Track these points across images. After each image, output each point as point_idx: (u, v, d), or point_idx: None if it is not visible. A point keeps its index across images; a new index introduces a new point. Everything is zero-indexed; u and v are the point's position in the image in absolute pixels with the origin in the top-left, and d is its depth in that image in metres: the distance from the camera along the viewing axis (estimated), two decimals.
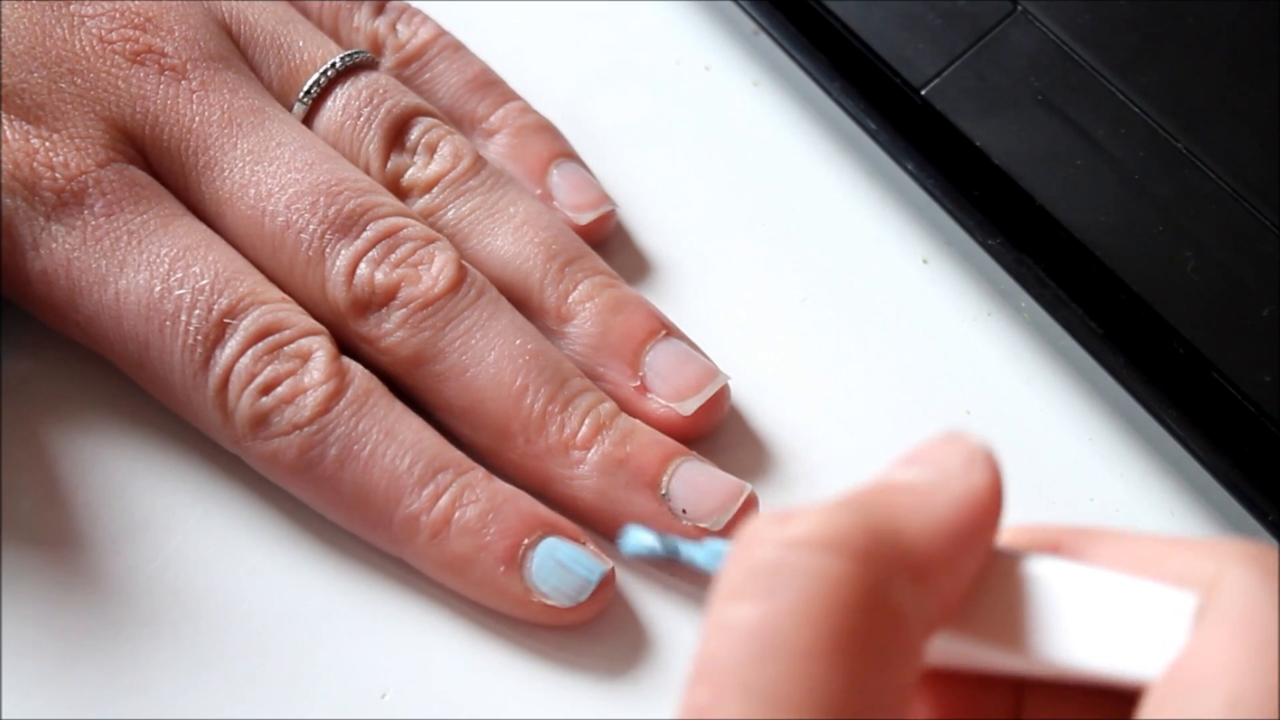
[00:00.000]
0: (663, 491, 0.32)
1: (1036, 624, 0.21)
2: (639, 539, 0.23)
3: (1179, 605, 0.20)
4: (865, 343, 0.37)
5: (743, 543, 0.20)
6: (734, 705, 0.18)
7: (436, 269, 0.33)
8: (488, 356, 0.33)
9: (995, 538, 0.21)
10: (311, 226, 0.33)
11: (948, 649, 0.22)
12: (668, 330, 0.35)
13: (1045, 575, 0.21)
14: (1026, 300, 0.36)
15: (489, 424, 0.33)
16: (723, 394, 0.34)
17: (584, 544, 0.32)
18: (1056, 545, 0.22)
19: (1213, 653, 0.19)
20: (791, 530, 0.19)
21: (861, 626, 0.19)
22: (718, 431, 0.35)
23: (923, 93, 0.37)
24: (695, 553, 0.23)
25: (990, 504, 0.21)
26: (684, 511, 0.32)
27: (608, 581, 0.31)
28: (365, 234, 0.33)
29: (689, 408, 0.34)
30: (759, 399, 0.36)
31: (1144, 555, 0.21)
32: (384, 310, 0.33)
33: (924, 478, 0.21)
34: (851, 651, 0.18)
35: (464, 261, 0.34)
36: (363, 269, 0.33)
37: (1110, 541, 0.21)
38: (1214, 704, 0.18)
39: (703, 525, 0.32)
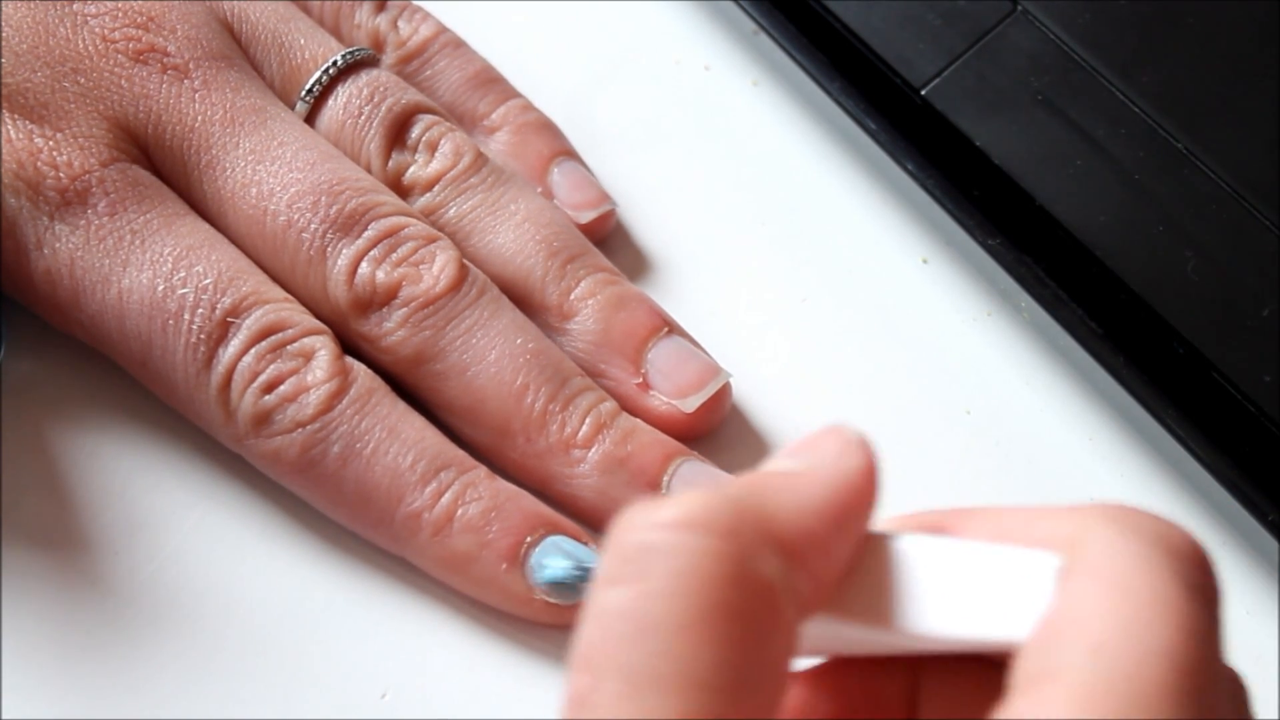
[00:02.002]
0: (663, 491, 0.32)
1: (905, 599, 0.21)
2: (554, 569, 0.23)
3: (1042, 566, 0.20)
4: (865, 342, 0.37)
5: (616, 530, 0.20)
6: (612, 687, 0.19)
7: (438, 268, 0.33)
8: (488, 355, 0.33)
9: (869, 522, 0.21)
10: (313, 226, 0.33)
11: (828, 634, 0.22)
12: (670, 328, 0.35)
13: (913, 551, 0.21)
14: (1026, 300, 0.36)
15: (490, 423, 0.33)
16: (724, 392, 0.34)
17: (586, 543, 0.32)
18: (937, 528, 0.22)
19: (1075, 606, 0.19)
20: (659, 514, 0.19)
21: (730, 601, 0.19)
22: (719, 430, 0.35)
23: (923, 93, 0.37)
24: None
25: (862, 487, 0.21)
26: None
27: None
28: (366, 233, 0.33)
29: (691, 405, 0.34)
30: (759, 398, 0.36)
31: (1011, 526, 0.21)
32: (385, 309, 0.33)
33: (798, 465, 0.21)
34: (722, 625, 0.19)
35: (465, 260, 0.34)
36: (364, 268, 0.33)
37: (982, 517, 0.22)
38: (1077, 653, 0.19)
39: None
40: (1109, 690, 0.18)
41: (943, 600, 0.21)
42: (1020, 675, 0.19)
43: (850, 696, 0.23)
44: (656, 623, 0.19)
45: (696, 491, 0.20)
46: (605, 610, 0.19)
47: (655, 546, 0.19)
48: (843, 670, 0.23)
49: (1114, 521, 0.20)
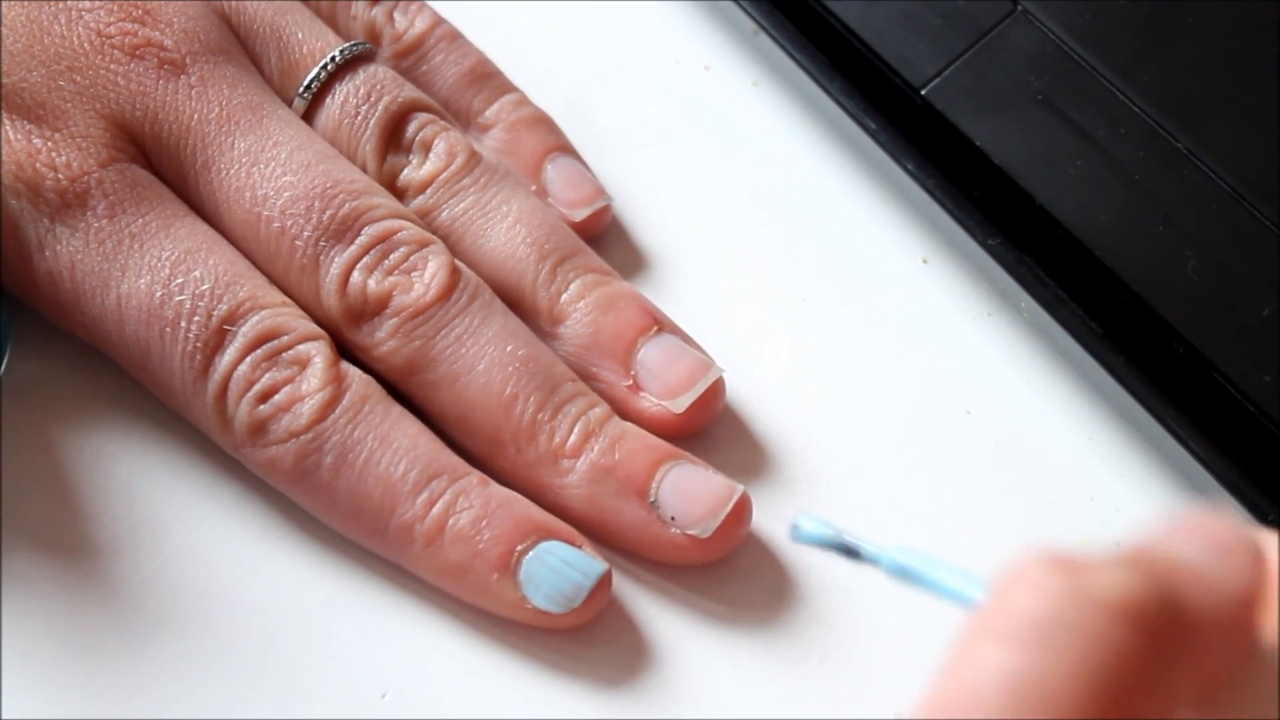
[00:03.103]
0: (651, 499, 0.32)
1: None
2: (811, 529, 0.22)
3: None
4: (865, 343, 0.37)
5: (1018, 585, 0.19)
6: None
7: (429, 275, 0.33)
8: (478, 365, 0.33)
9: (1254, 630, 0.20)
10: (306, 233, 0.33)
11: None
12: (660, 325, 0.35)
13: None
14: (1026, 300, 0.36)
15: (480, 433, 0.33)
16: (717, 388, 0.34)
17: (580, 546, 0.32)
18: None
19: None
20: (1074, 583, 0.18)
21: (1130, 701, 0.18)
22: (716, 432, 0.35)
23: (923, 93, 0.37)
24: (880, 557, 0.22)
25: (1260, 598, 0.20)
26: (673, 519, 0.32)
27: (603, 584, 0.31)
28: (359, 239, 0.33)
29: (681, 404, 0.34)
30: (758, 399, 0.36)
31: None
32: (376, 320, 0.33)
33: (1199, 558, 0.20)
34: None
35: (458, 264, 0.34)
36: (355, 277, 0.33)
37: None
38: None
39: (691, 532, 0.32)
40: None
41: None
42: None
43: None
44: (1051, 700, 0.18)
45: (1114, 561, 0.19)
46: (993, 668, 0.18)
47: (1070, 620, 0.18)
48: None
49: None
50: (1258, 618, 0.20)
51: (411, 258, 0.33)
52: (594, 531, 0.32)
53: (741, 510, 0.32)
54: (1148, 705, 0.18)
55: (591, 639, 0.32)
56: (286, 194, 0.33)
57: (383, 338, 0.33)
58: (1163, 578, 0.19)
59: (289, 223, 0.33)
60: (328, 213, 0.33)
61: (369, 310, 0.33)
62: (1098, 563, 0.19)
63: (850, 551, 0.23)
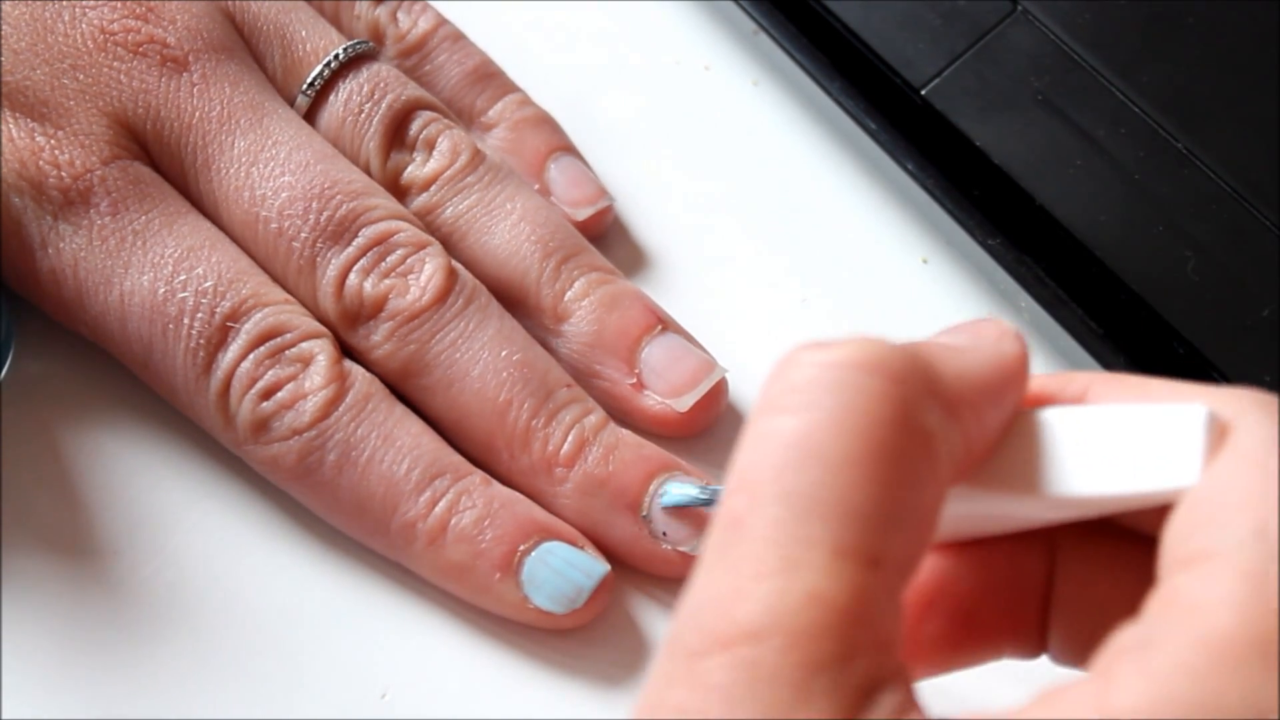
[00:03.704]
0: (644, 513, 0.32)
1: (1051, 465, 0.22)
2: (677, 494, 0.24)
3: (1191, 416, 0.21)
4: None
5: (782, 364, 0.21)
6: (770, 510, 0.19)
7: (425, 278, 0.33)
8: (472, 370, 0.33)
9: (1016, 402, 0.22)
10: (303, 234, 0.33)
11: (972, 511, 0.23)
12: (664, 325, 0.35)
13: (1057, 420, 0.22)
14: (1026, 300, 0.36)
15: (475, 439, 0.33)
16: (720, 388, 0.34)
17: (582, 547, 0.32)
18: (1082, 396, 0.23)
19: (1232, 488, 0.20)
20: (832, 353, 0.20)
21: (894, 441, 0.20)
22: (716, 431, 0.35)
23: (923, 93, 0.37)
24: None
25: (1016, 369, 0.22)
26: (664, 534, 0.32)
27: (605, 585, 0.31)
28: (356, 241, 0.33)
29: (684, 404, 0.34)
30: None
31: (1158, 395, 0.22)
32: (372, 323, 0.33)
33: (961, 341, 0.22)
34: (883, 463, 0.19)
35: (455, 265, 0.34)
36: (352, 279, 0.33)
37: (1127, 384, 0.23)
38: (1241, 533, 0.19)
39: (683, 550, 0.32)
40: (1276, 572, 0.18)
41: (1089, 461, 0.21)
42: (1177, 552, 0.20)
43: (992, 570, 0.24)
44: (822, 452, 0.19)
45: (867, 336, 0.21)
46: (769, 435, 0.20)
47: (825, 381, 0.20)
48: (986, 544, 0.24)
49: (1266, 408, 0.21)
50: (1014, 389, 0.22)
51: (408, 260, 0.33)
52: (589, 539, 0.32)
53: None
54: (925, 453, 0.20)
55: (591, 639, 0.32)
56: (285, 194, 0.33)
57: (379, 341, 0.33)
58: (913, 346, 0.21)
59: (286, 223, 0.33)
60: (325, 214, 0.33)
61: (365, 313, 0.33)
62: (849, 338, 0.21)
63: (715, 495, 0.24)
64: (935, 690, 0.24)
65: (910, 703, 0.19)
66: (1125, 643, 0.19)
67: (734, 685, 0.18)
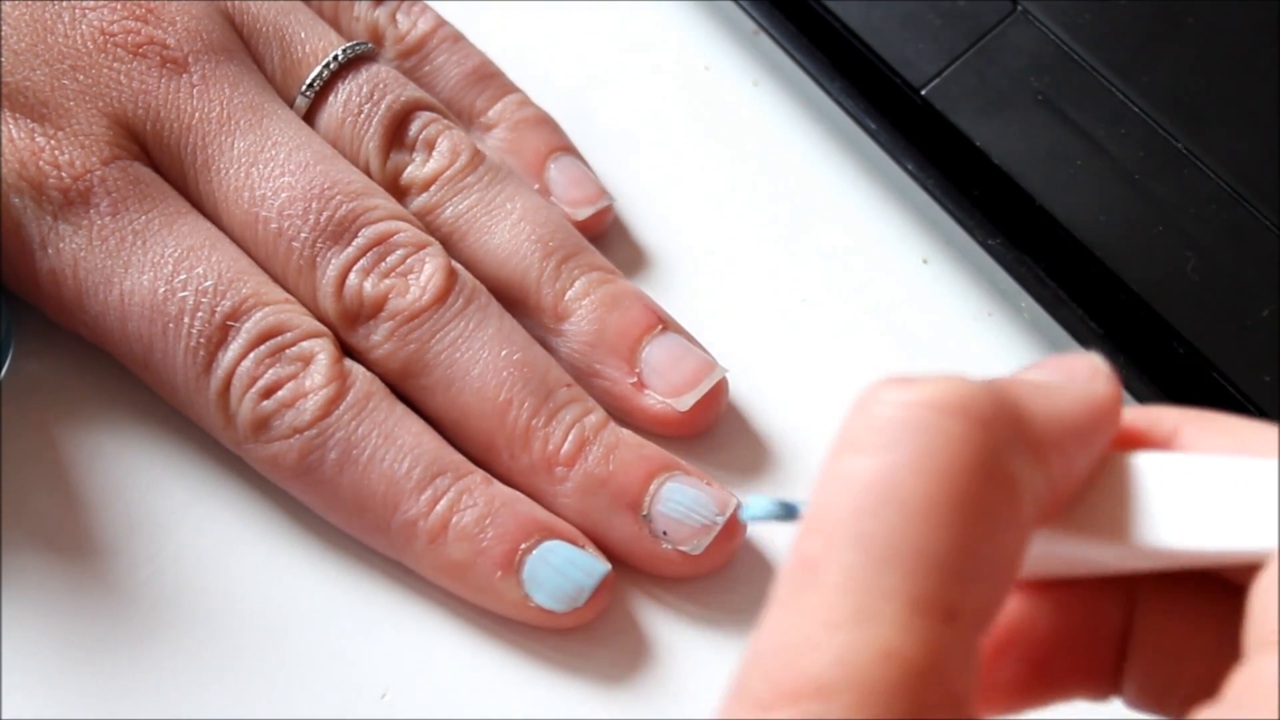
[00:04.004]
0: (644, 513, 0.32)
1: (1138, 513, 0.21)
2: (756, 508, 0.23)
3: (1272, 476, 0.20)
4: (865, 343, 0.37)
5: (863, 401, 0.20)
6: (845, 555, 0.18)
7: (425, 278, 0.33)
8: (472, 370, 0.33)
9: (1107, 443, 0.22)
10: (303, 234, 0.33)
11: (1055, 552, 0.22)
12: (665, 325, 0.35)
13: (1147, 466, 0.21)
14: (1026, 300, 0.36)
15: (475, 438, 0.33)
16: (720, 388, 0.34)
17: (583, 546, 0.32)
18: (1171, 435, 0.22)
19: None
20: (915, 392, 0.19)
21: (977, 488, 0.19)
22: (718, 431, 0.35)
23: (923, 93, 0.37)
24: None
25: (1108, 410, 0.21)
26: (665, 533, 0.32)
27: (606, 584, 0.31)
28: (356, 241, 0.33)
29: (685, 403, 0.34)
30: (759, 398, 0.36)
31: (1251, 442, 0.21)
32: (372, 322, 0.33)
33: (1050, 378, 0.22)
34: (965, 510, 0.19)
35: (455, 266, 0.34)
36: (352, 279, 0.33)
37: (1224, 429, 0.22)
38: None
39: (683, 549, 0.32)
40: None
41: (1177, 513, 0.21)
42: (1260, 629, 0.19)
43: (1069, 613, 0.23)
44: (900, 497, 0.19)
45: (954, 375, 0.20)
46: (846, 476, 0.19)
47: (907, 421, 0.19)
48: (1065, 587, 0.24)
49: None
50: (1106, 431, 0.21)
51: (408, 260, 0.33)
52: (590, 539, 0.32)
53: (734, 525, 0.32)
54: (1009, 501, 0.19)
55: (591, 639, 0.32)
56: (284, 194, 0.33)
57: (378, 340, 0.33)
58: (1000, 385, 0.20)
59: (286, 223, 0.33)
60: (325, 214, 0.33)
61: (365, 313, 0.33)
62: (935, 376, 0.20)
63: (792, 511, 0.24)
64: None
65: None
66: None
67: None
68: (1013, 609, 0.24)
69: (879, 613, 0.18)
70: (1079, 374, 0.22)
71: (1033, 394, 0.21)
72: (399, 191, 0.35)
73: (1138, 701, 0.24)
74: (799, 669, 0.18)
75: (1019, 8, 0.38)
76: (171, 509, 0.33)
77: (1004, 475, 0.19)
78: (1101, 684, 0.24)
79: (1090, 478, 0.21)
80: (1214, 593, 0.22)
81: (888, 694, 0.18)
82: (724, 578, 0.33)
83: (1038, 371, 0.22)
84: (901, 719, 0.18)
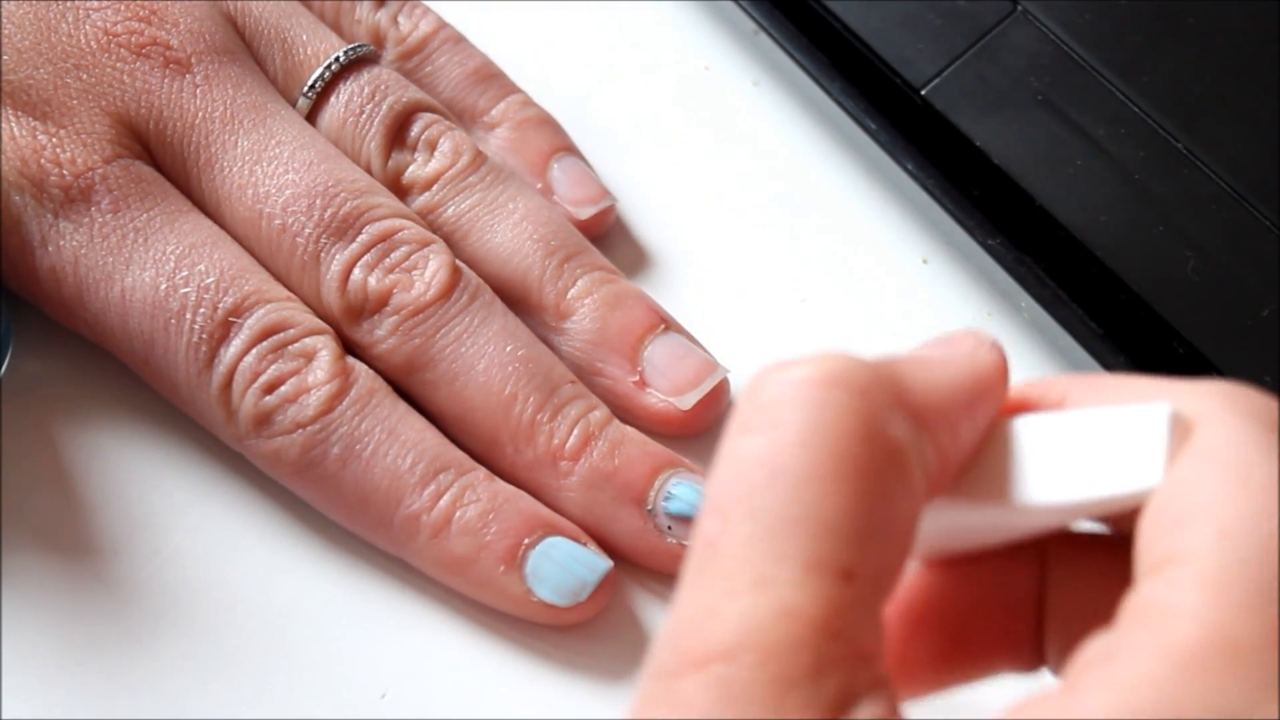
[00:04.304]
0: (649, 507, 0.32)
1: (1020, 474, 0.21)
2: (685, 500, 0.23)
3: (1154, 416, 0.20)
4: (865, 343, 0.37)
5: (752, 385, 0.20)
6: (741, 530, 0.19)
7: (429, 274, 0.33)
8: (477, 365, 0.33)
9: (992, 414, 0.22)
10: (307, 230, 0.33)
11: (952, 525, 0.22)
12: (667, 325, 0.35)
13: (1027, 428, 0.22)
14: (1026, 300, 0.36)
15: (478, 433, 0.33)
16: (722, 387, 0.34)
17: (585, 543, 0.32)
18: (1058, 400, 0.23)
19: (1198, 489, 0.19)
20: (797, 371, 0.20)
21: (860, 454, 0.19)
22: (718, 431, 0.35)
23: (923, 93, 0.37)
24: None
25: (992, 380, 0.22)
26: (669, 528, 0.32)
27: (608, 580, 0.31)
28: (360, 237, 0.33)
29: (687, 402, 0.34)
30: None
31: (1127, 395, 0.22)
32: (376, 317, 0.33)
33: (934, 353, 0.22)
34: (851, 476, 0.19)
35: (459, 264, 0.34)
36: (356, 274, 0.33)
37: (1099, 385, 0.22)
38: (1205, 537, 0.19)
39: (688, 544, 0.32)
40: (1240, 576, 0.18)
41: (1059, 467, 0.21)
42: (1146, 558, 0.20)
43: (981, 583, 0.24)
44: (788, 470, 0.19)
45: (834, 352, 0.20)
46: (738, 456, 0.20)
47: (790, 399, 0.20)
48: (974, 559, 0.24)
49: (1232, 403, 0.20)
50: (990, 400, 0.22)
51: (412, 256, 0.33)
52: (592, 535, 0.32)
53: None
54: (894, 465, 0.20)
55: (593, 639, 0.32)
56: (288, 191, 0.33)
57: (382, 335, 0.33)
58: (881, 359, 0.21)
59: (290, 220, 0.33)
60: (329, 210, 0.33)
61: (369, 307, 0.33)
62: (819, 354, 0.21)
63: None
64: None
65: (892, 715, 0.19)
66: (1094, 653, 0.19)
67: (709, 704, 0.18)
68: (925, 583, 0.24)
69: (776, 577, 0.19)
70: (962, 347, 0.22)
71: (913, 367, 0.21)
72: (400, 191, 0.35)
73: (1062, 669, 0.24)
74: (703, 637, 0.19)
75: (1019, 8, 0.38)
76: (171, 508, 0.33)
77: (886, 441, 0.20)
78: (1025, 655, 0.24)
79: (979, 446, 0.22)
80: (1121, 552, 0.23)
81: (790, 649, 0.18)
82: None
83: (924, 348, 0.23)
84: (803, 672, 0.18)
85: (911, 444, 0.20)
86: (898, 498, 0.20)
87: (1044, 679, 0.24)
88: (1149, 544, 0.20)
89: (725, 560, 0.19)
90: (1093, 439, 0.21)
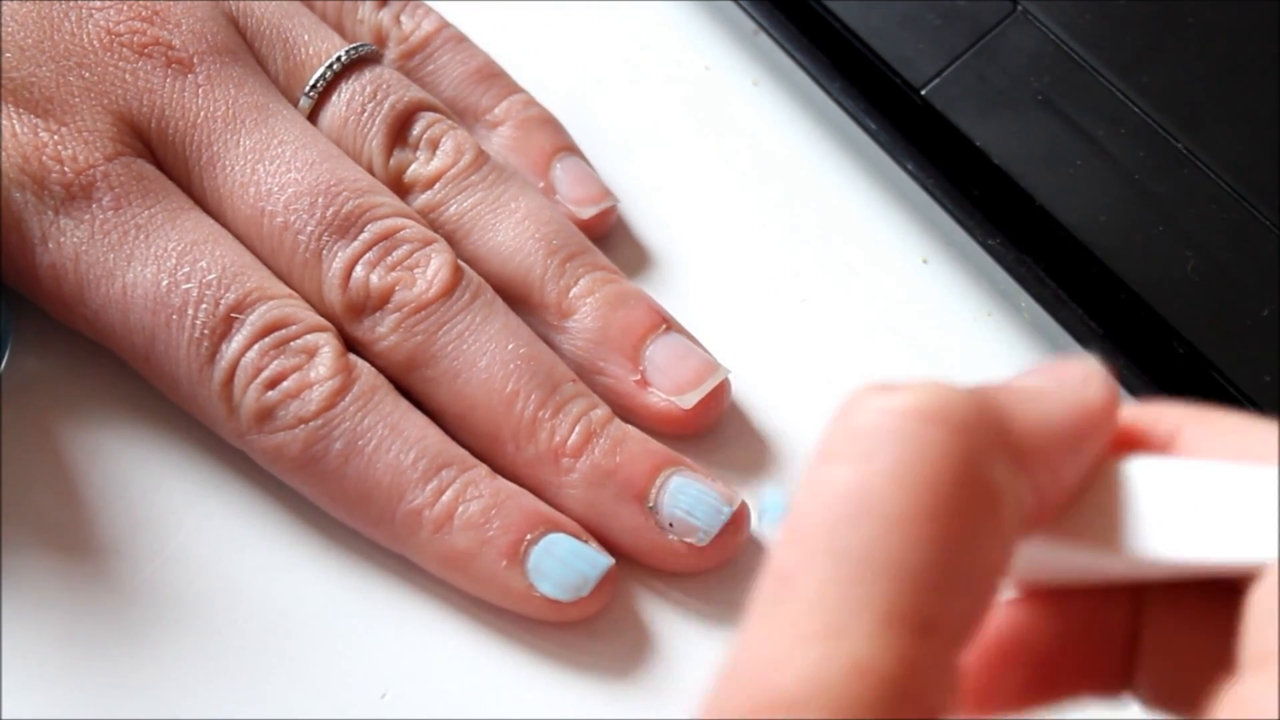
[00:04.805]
0: (650, 504, 0.32)
1: (1131, 522, 0.20)
2: (775, 509, 0.23)
3: (1270, 484, 0.19)
4: (865, 342, 0.37)
5: (844, 410, 0.19)
6: (820, 567, 0.18)
7: (431, 272, 0.33)
8: (479, 362, 0.33)
9: (1100, 451, 0.21)
10: (309, 228, 0.33)
11: (1050, 561, 0.22)
12: (668, 324, 0.35)
13: (1142, 473, 0.21)
14: (1026, 300, 0.36)
15: (480, 430, 0.33)
16: (723, 388, 0.34)
17: (586, 540, 0.32)
18: (1171, 437, 0.22)
19: None
20: (894, 399, 0.19)
21: (955, 497, 0.18)
22: (718, 431, 0.35)
23: (923, 93, 0.37)
24: None
25: (1101, 416, 0.21)
26: (670, 526, 0.32)
27: (610, 577, 0.31)
28: (362, 235, 0.33)
29: (689, 401, 0.34)
30: (759, 398, 0.36)
31: (1248, 443, 0.21)
32: (378, 314, 0.33)
33: (1041, 385, 0.21)
34: (943, 521, 0.18)
35: (460, 263, 0.34)
36: (358, 272, 0.33)
37: (1226, 430, 0.21)
38: None
39: (688, 541, 0.32)
40: None
41: (1171, 522, 0.20)
42: (1253, 644, 0.19)
43: (1071, 623, 0.23)
44: (877, 507, 0.18)
45: (935, 382, 0.19)
46: (823, 486, 0.19)
47: (885, 429, 0.19)
48: (1066, 596, 0.23)
49: None
50: (1097, 437, 0.21)
51: (414, 255, 0.33)
52: (593, 532, 0.32)
53: (738, 521, 0.32)
54: (989, 511, 0.19)
55: (594, 638, 0.32)
56: (291, 189, 0.33)
57: (384, 332, 0.33)
58: (984, 391, 0.20)
59: (293, 218, 0.33)
60: (331, 209, 0.33)
61: (371, 305, 0.33)
62: (918, 382, 0.19)
63: None
64: None
65: None
66: None
67: None
68: (1014, 617, 0.23)
69: (852, 626, 0.18)
70: (1071, 380, 0.21)
71: (1018, 401, 0.20)
72: (402, 189, 0.35)
73: (1152, 703, 0.23)
74: (771, 683, 0.18)
75: (1019, 8, 0.38)
76: (172, 507, 0.33)
77: (984, 485, 0.19)
78: (1110, 687, 0.24)
79: (1085, 484, 0.21)
80: (1222, 596, 0.22)
81: (859, 708, 0.17)
82: (727, 574, 0.33)
83: (1029, 377, 0.22)
84: None
85: (1010, 487, 0.19)
86: (988, 545, 0.19)
87: (1128, 707, 0.24)
88: (1258, 629, 0.19)
89: (801, 601, 0.18)
90: (1209, 497, 0.20)
